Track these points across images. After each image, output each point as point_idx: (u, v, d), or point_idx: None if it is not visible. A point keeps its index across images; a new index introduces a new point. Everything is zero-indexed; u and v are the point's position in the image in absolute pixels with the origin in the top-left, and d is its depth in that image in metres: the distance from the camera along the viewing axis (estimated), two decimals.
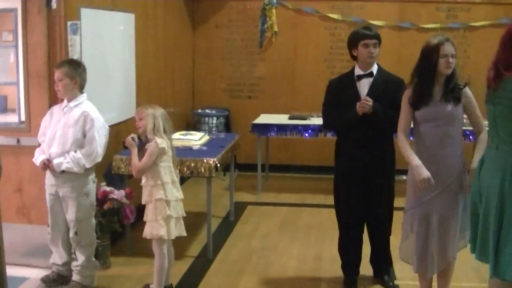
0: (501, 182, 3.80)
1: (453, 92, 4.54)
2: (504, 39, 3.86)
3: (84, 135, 5.04)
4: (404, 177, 4.88)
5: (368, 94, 5.16)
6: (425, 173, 4.45)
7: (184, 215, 5.17)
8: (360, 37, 5.21)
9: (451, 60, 4.48)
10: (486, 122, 4.33)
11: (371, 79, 5.23)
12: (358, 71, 5.26)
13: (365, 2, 9.59)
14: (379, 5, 9.58)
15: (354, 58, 5.31)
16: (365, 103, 5.04)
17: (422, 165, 4.48)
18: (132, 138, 5.00)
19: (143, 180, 5.03)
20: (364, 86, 5.23)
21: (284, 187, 9.06)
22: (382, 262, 5.65)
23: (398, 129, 4.74)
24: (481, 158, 4.10)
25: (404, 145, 4.67)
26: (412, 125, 4.75)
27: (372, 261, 5.69)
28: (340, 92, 5.29)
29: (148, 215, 5.00)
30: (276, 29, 9.59)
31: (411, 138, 4.76)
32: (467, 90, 4.62)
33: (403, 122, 4.70)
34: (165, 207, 4.93)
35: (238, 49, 9.84)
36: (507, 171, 3.81)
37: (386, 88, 5.16)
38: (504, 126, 3.86)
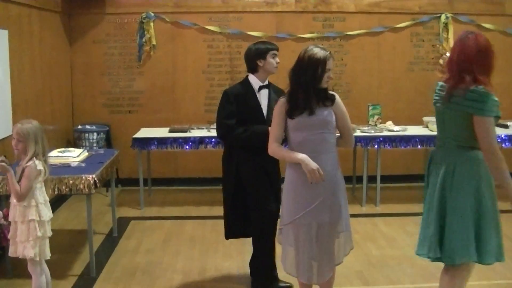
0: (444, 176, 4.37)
1: (326, 97, 4.65)
2: (481, 48, 4.26)
3: None
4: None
5: (269, 105, 5.47)
6: (314, 163, 4.47)
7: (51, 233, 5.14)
8: (269, 48, 5.53)
9: (331, 75, 4.65)
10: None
11: (267, 90, 5.56)
12: (258, 82, 5.55)
13: (242, 14, 9.77)
14: (256, 16, 9.78)
15: (254, 69, 5.56)
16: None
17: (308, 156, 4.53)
18: (3, 161, 4.89)
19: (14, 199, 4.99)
20: (263, 97, 5.55)
21: (168, 201, 9.11)
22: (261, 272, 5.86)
23: (270, 139, 4.75)
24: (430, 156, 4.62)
25: (279, 148, 4.71)
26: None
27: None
28: (240, 102, 5.48)
29: (19, 235, 4.92)
30: (154, 42, 9.64)
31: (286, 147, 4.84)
32: (336, 96, 4.72)
33: (276, 131, 4.72)
34: (36, 228, 4.89)
35: (116, 64, 9.77)
36: (450, 168, 4.35)
37: (278, 98, 5.35)
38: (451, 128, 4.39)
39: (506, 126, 8.80)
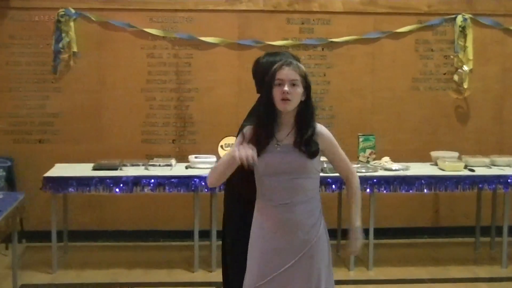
0: None
1: (308, 144, 4.67)
2: None
3: None
4: None
5: None
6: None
7: None
8: None
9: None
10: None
11: None
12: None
13: (194, 13, 9.75)
14: (212, 16, 9.76)
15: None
16: None
17: None
18: None
19: None
20: None
21: (90, 262, 8.97)
22: None
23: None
24: None
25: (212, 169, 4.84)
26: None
27: None
28: None
29: None
30: (75, 49, 9.56)
31: None
32: (322, 130, 4.78)
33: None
34: None
35: (23, 76, 9.64)
36: None
37: None
38: None
39: None
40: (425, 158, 9.25)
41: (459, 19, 9.85)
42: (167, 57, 9.74)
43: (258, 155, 4.58)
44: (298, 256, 4.63)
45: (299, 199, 4.65)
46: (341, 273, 8.33)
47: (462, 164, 8.76)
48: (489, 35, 9.99)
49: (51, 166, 8.89)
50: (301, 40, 9.84)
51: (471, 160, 8.92)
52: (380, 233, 9.17)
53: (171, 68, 9.75)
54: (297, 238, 4.63)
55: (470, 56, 9.83)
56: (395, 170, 8.65)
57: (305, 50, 9.75)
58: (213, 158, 8.53)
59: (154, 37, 9.69)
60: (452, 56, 9.98)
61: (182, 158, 9.21)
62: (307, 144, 4.65)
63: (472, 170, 8.67)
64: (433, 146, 9.53)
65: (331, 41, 9.87)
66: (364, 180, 8.34)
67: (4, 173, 9.08)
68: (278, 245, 4.63)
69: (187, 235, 8.84)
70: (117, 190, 8.34)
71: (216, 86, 9.60)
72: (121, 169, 8.65)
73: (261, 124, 4.69)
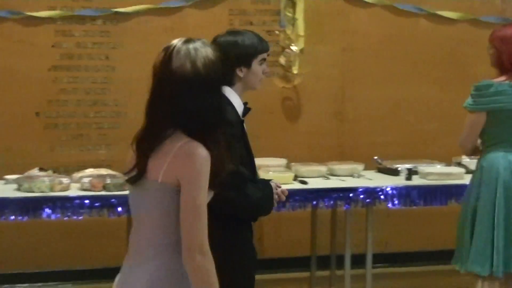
0: None
1: None
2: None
3: None
4: None
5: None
6: None
7: None
8: (259, 49, 5.52)
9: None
10: None
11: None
12: (240, 103, 5.54)
13: None
14: None
15: (229, 82, 5.44)
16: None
17: None
18: None
19: None
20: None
21: None
22: None
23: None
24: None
25: None
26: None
27: None
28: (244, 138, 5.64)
29: None
30: None
31: None
32: None
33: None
34: None
35: None
36: None
37: None
38: None
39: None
40: None
41: None
42: None
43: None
44: None
45: None
46: None
47: (292, 175, 8.58)
48: (325, 4, 10.04)
49: None
50: (75, 10, 9.45)
51: (303, 169, 8.81)
52: None
53: None
54: None
55: (301, 32, 9.79)
56: None
57: (80, 24, 9.45)
58: None
59: None
60: (277, 32, 9.92)
61: None
62: None
63: (304, 183, 8.49)
64: (253, 151, 9.12)
65: (116, 12, 9.58)
66: None
67: None
68: None
69: None
70: None
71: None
72: None
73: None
